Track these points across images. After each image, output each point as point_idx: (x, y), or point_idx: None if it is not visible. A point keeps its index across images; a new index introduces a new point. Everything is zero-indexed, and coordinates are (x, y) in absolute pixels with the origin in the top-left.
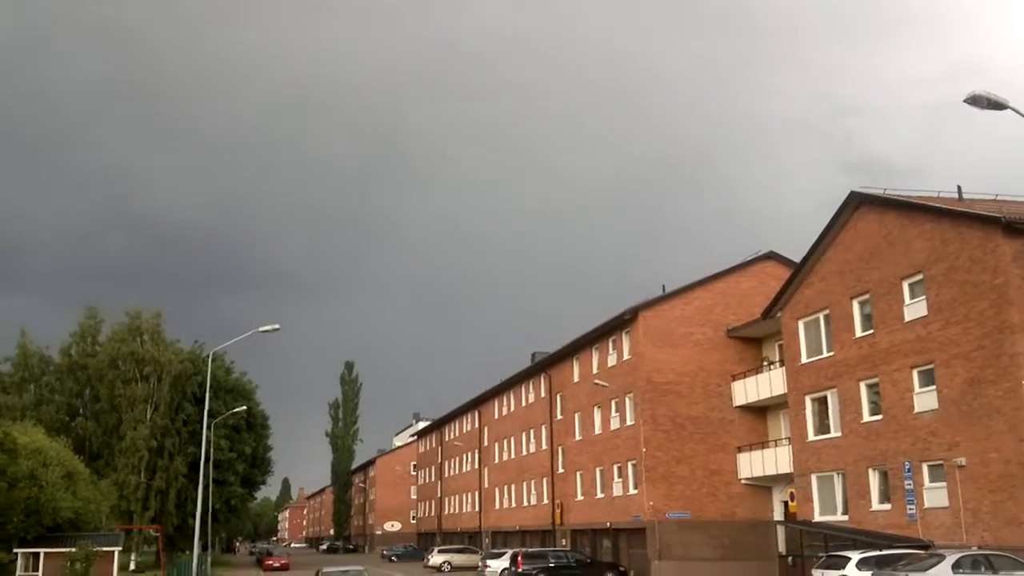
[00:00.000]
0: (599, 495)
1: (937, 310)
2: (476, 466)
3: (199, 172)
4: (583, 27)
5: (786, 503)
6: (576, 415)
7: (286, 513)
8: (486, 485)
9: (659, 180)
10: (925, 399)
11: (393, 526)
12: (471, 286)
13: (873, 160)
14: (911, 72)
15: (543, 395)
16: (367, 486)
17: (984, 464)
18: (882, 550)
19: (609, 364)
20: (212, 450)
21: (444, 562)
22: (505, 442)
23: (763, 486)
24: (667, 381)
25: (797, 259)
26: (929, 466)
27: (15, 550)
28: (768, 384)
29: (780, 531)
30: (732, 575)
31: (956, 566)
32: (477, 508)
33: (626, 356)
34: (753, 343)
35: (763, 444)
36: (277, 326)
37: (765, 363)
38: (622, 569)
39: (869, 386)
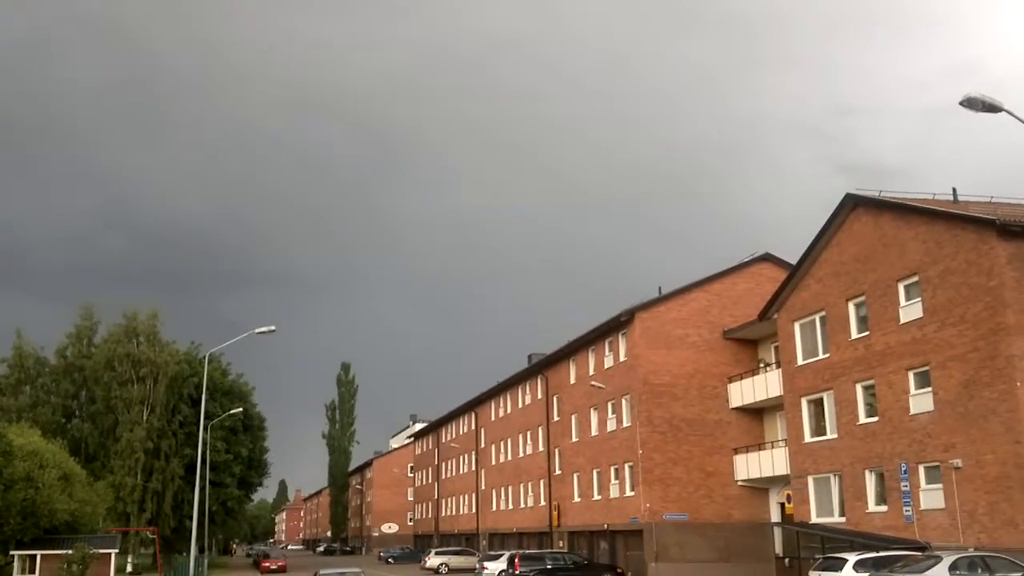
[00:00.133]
0: (596, 497)
1: (932, 312)
2: (473, 468)
3: (197, 173)
4: (582, 29)
5: (783, 505)
6: (573, 417)
7: (283, 515)
8: (483, 487)
9: (656, 182)
10: (921, 401)
11: (390, 528)
12: (468, 288)
13: (869, 162)
14: (908, 74)
15: (540, 397)
16: (364, 488)
17: (980, 466)
18: (879, 552)
19: (606, 366)
20: (208, 452)
21: (441, 564)
22: (502, 444)
23: (760, 488)
24: (663, 383)
25: (793, 261)
26: (925, 468)
27: (11, 552)
28: (764, 386)
29: (777, 533)
30: None
31: (953, 568)
32: (474, 510)
33: (622, 358)
34: (749, 345)
35: (759, 446)
36: (273, 328)
37: (761, 365)
38: (619, 571)
39: (865, 388)
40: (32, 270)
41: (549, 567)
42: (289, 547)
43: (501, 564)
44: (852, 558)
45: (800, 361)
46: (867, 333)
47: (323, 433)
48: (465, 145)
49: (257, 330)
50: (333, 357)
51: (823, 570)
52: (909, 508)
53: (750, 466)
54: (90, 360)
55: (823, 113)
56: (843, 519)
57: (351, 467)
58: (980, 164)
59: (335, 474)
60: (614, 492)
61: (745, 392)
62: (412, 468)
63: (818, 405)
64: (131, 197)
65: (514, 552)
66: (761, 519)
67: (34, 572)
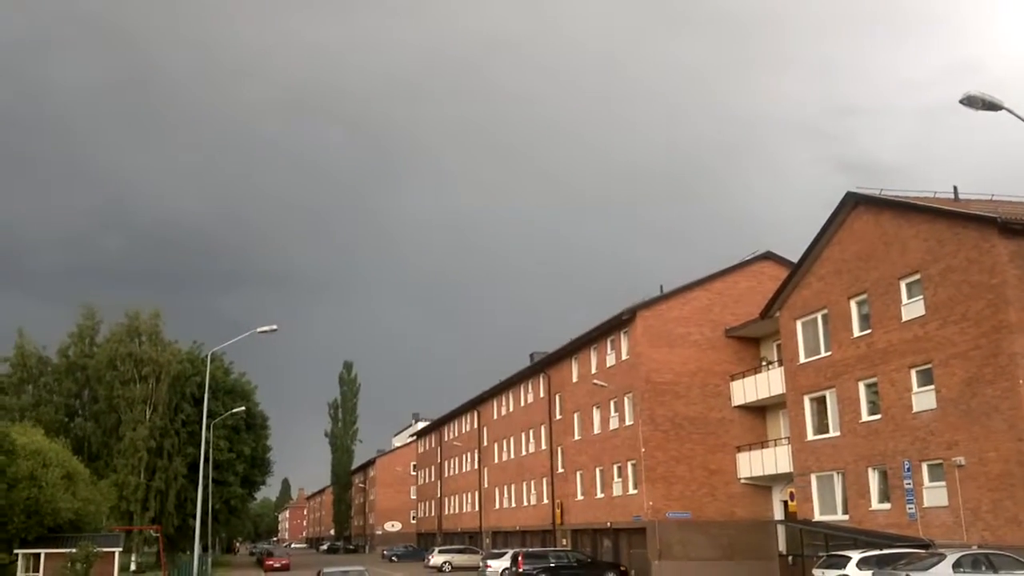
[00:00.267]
0: (599, 495)
1: (934, 310)
2: (476, 466)
3: (195, 173)
4: (579, 31)
5: (786, 503)
6: (575, 415)
7: (286, 513)
8: (486, 485)
9: (655, 183)
10: (923, 399)
11: (393, 526)
12: (467, 289)
13: (870, 161)
14: (907, 73)
15: (542, 395)
16: (367, 486)
17: (983, 463)
18: (882, 549)
19: (608, 364)
20: (211, 451)
21: (445, 562)
22: (505, 442)
23: (763, 486)
24: (666, 381)
25: (794, 259)
26: (928, 465)
27: (16, 551)
28: (767, 384)
29: (780, 531)
30: (733, 575)
31: (957, 565)
32: (477, 508)
33: (625, 356)
34: (751, 343)
35: (762, 444)
36: (275, 327)
37: (763, 363)
38: (623, 569)
39: (868, 386)
40: (31, 270)
41: (552, 565)
42: (292, 545)
43: (504, 562)
44: (856, 556)
45: (802, 359)
46: (869, 331)
47: (326, 431)
48: (463, 146)
49: (259, 329)
50: (335, 356)
51: (827, 568)
52: (912, 506)
53: (753, 464)
54: (92, 359)
55: (823, 113)
56: (846, 517)
57: (354, 465)
58: (981, 163)
59: (338, 472)
60: (617, 490)
61: (747, 390)
62: (415, 466)
63: (821, 403)
64: (130, 197)
65: (517, 550)
66: (764, 517)
67: (38, 571)
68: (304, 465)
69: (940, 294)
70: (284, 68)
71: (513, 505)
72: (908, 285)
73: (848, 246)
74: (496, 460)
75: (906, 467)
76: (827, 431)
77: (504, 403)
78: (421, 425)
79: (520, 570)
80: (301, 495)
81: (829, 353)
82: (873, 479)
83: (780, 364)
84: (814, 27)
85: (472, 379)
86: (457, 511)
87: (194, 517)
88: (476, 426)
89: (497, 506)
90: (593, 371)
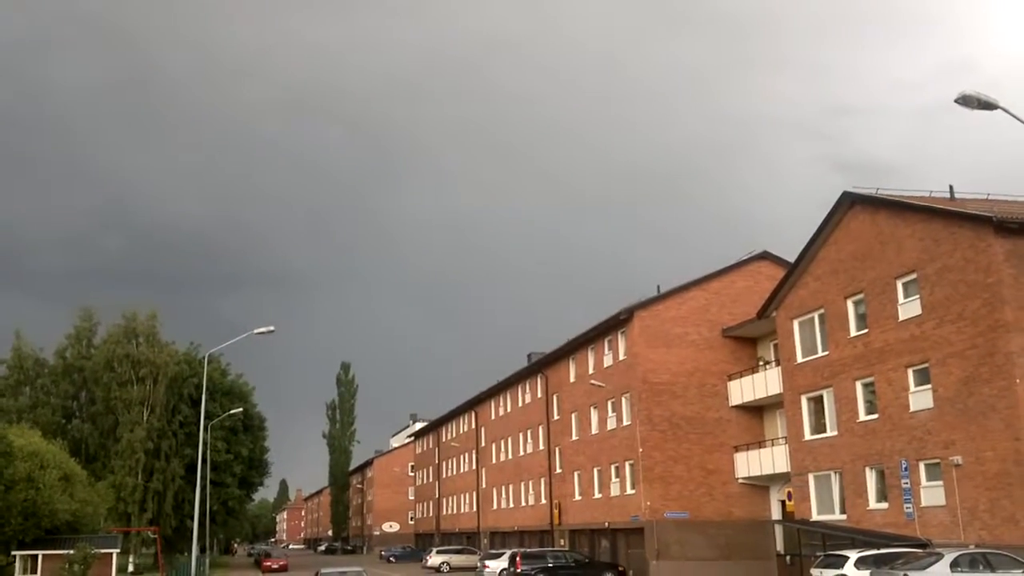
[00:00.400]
0: (597, 495)
1: (931, 309)
2: (474, 467)
3: (195, 173)
4: (578, 31)
5: (783, 502)
6: (573, 415)
7: (284, 514)
8: (484, 485)
9: (653, 183)
10: (920, 398)
11: (391, 527)
12: (466, 289)
13: (866, 161)
14: (903, 73)
15: (539, 395)
16: (365, 487)
17: (980, 463)
18: (880, 549)
19: (605, 364)
20: (209, 452)
21: (443, 563)
22: (502, 442)
23: (760, 485)
24: (663, 381)
25: (791, 259)
26: (926, 465)
27: (13, 552)
28: (764, 384)
29: (778, 530)
30: (730, 575)
31: (954, 564)
32: (475, 509)
33: (622, 356)
34: (748, 343)
35: (760, 444)
36: (272, 328)
37: (760, 363)
38: (621, 569)
39: (865, 385)
40: (30, 271)
41: (550, 565)
42: (290, 546)
43: (502, 563)
44: (853, 555)
45: (799, 359)
46: (866, 331)
47: (323, 433)
48: (462, 147)
49: (256, 330)
50: (333, 357)
51: (825, 567)
52: (910, 505)
53: (750, 464)
54: (90, 361)
55: (819, 113)
56: (844, 516)
57: (352, 466)
58: (976, 162)
59: (336, 473)
60: (615, 490)
61: (745, 390)
62: (413, 467)
63: (818, 403)
64: (129, 198)
65: (515, 551)
66: (762, 517)
67: (36, 572)
68: (302, 466)
69: (936, 293)
70: (284, 68)
71: (511, 505)
72: (904, 284)
73: (844, 246)
74: (494, 460)
75: (903, 467)
76: (824, 431)
77: (502, 403)
78: (419, 426)
79: (518, 570)
80: (299, 496)
81: (826, 353)
82: (870, 479)
83: (777, 364)
84: (810, 27)
85: (470, 379)
86: (455, 512)
87: (192, 518)
88: (474, 427)
89: (495, 506)
90: (590, 371)
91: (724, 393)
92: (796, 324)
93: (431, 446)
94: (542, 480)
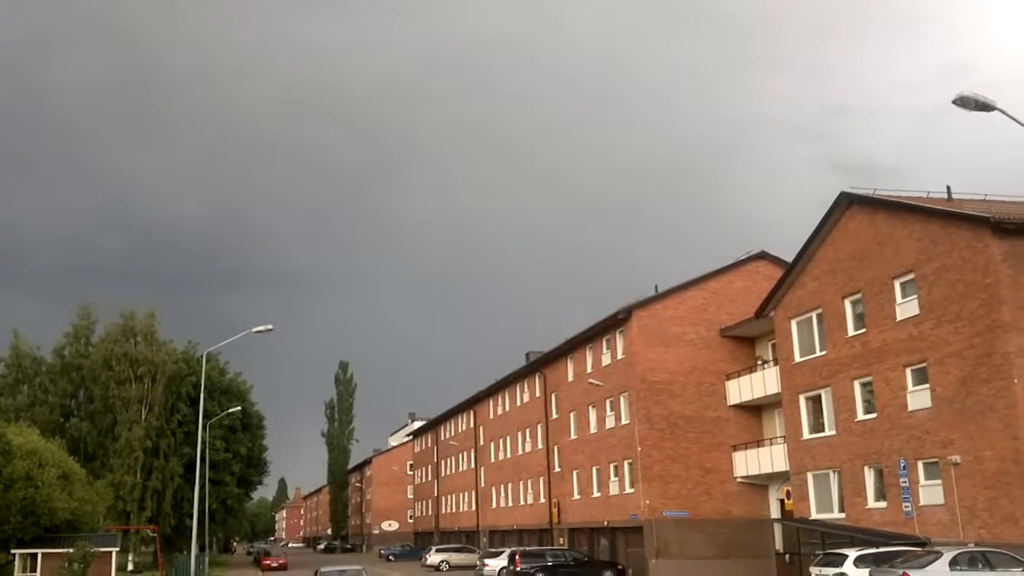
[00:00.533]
0: (596, 494)
1: (929, 309)
2: (472, 465)
3: (195, 173)
4: (578, 31)
5: (782, 501)
6: (571, 414)
7: (283, 513)
8: (483, 484)
9: (652, 183)
10: (918, 397)
11: (390, 525)
12: (466, 288)
13: (863, 161)
14: (900, 74)
15: (538, 394)
16: (364, 486)
17: (978, 461)
18: (879, 547)
19: (603, 363)
20: (208, 450)
21: (442, 561)
22: (501, 441)
23: (759, 484)
24: (661, 380)
25: (789, 259)
26: (924, 464)
27: (12, 551)
28: (762, 383)
29: (777, 529)
30: (730, 573)
31: (953, 563)
32: (474, 507)
33: (620, 355)
34: (746, 342)
35: (758, 443)
36: (270, 326)
37: (759, 362)
38: (620, 568)
39: (863, 385)
40: (30, 270)
41: (550, 564)
42: (290, 545)
43: (502, 561)
44: (852, 554)
45: (797, 358)
46: (864, 330)
47: (322, 431)
48: (462, 146)
49: (255, 329)
50: (331, 356)
51: (823, 566)
52: (908, 504)
53: (749, 463)
54: (88, 359)
55: (817, 113)
56: (843, 515)
57: (350, 465)
58: (974, 163)
59: (335, 472)
60: (614, 489)
61: (743, 389)
62: (411, 466)
63: (816, 402)
64: (129, 197)
65: (515, 549)
66: (761, 515)
67: (35, 571)
68: (301, 465)
69: (934, 293)
70: (283, 68)
71: (510, 504)
72: (902, 284)
73: (842, 246)
74: (492, 459)
75: (902, 465)
76: (823, 430)
77: (500, 402)
78: (417, 424)
79: (518, 569)
80: (298, 495)
81: (824, 352)
82: (869, 477)
83: (775, 363)
84: (809, 28)
85: (468, 378)
86: (454, 510)
87: (191, 517)
88: (472, 425)
89: (494, 505)
90: (589, 370)
91: (722, 392)
92: (794, 324)
93: (430, 445)
94: (541, 479)
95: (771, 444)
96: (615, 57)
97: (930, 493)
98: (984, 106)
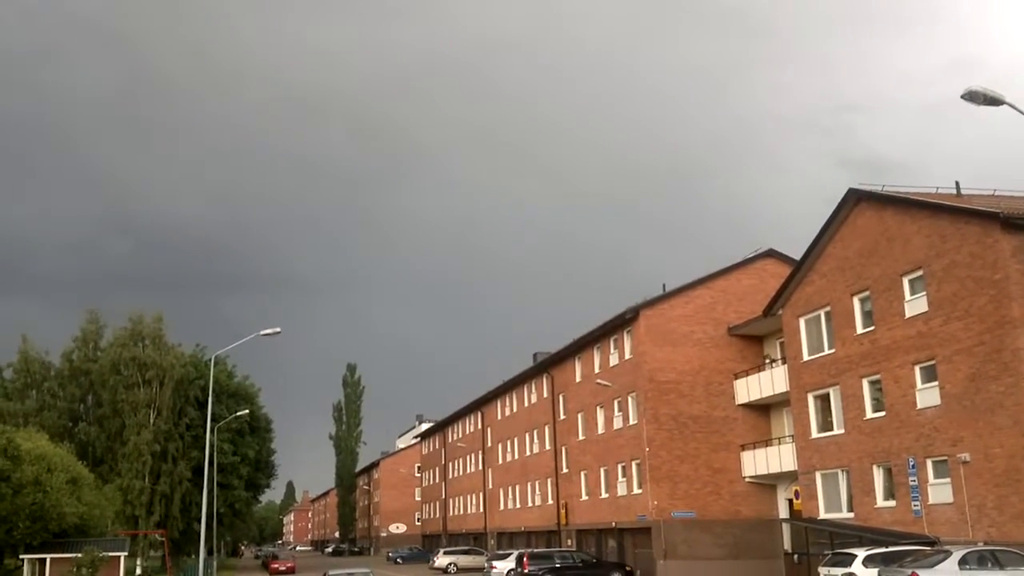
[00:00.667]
0: (604, 495)
1: (938, 306)
2: (480, 467)
3: (198, 176)
4: (580, 30)
5: (791, 501)
6: (579, 415)
7: (291, 516)
8: (490, 486)
9: (657, 180)
10: (927, 395)
11: (398, 528)
12: (470, 289)
13: (872, 157)
14: (909, 69)
15: (545, 395)
16: (371, 488)
17: (988, 459)
18: (888, 547)
19: (611, 364)
20: (216, 454)
21: (450, 563)
22: (509, 443)
23: (767, 484)
24: (669, 380)
25: (797, 257)
26: (933, 462)
27: (21, 556)
28: (770, 382)
29: (785, 529)
30: (738, 574)
31: (962, 562)
32: (482, 509)
33: (628, 355)
34: (754, 341)
35: (766, 442)
36: (278, 329)
37: (767, 361)
38: (628, 569)
39: (871, 383)
40: (35, 275)
41: (558, 566)
42: (297, 548)
43: (510, 563)
44: (861, 553)
45: (806, 357)
46: (872, 328)
47: (330, 434)
48: (465, 147)
49: (262, 332)
50: (338, 358)
51: (833, 566)
52: (918, 503)
53: (757, 462)
54: (96, 364)
55: (824, 109)
56: (851, 514)
57: (358, 468)
58: (983, 158)
59: (342, 475)
60: (621, 490)
61: (751, 388)
62: (419, 468)
63: (824, 400)
64: (133, 201)
65: (523, 551)
66: (769, 515)
67: None
68: (308, 468)
69: (943, 290)
70: (285, 70)
71: (518, 506)
72: (911, 281)
73: (850, 243)
74: (500, 461)
75: (911, 464)
76: (831, 429)
77: (508, 404)
78: (425, 427)
79: (526, 571)
80: (305, 498)
81: (832, 350)
82: (878, 476)
83: (783, 362)
84: (817, 24)
85: (476, 380)
86: (462, 512)
87: (199, 521)
88: (480, 427)
89: (502, 507)
90: (596, 371)
91: (730, 392)
92: (802, 322)
93: (437, 447)
94: (549, 480)
95: (779, 443)
96: (619, 55)
97: (939, 492)
98: (993, 101)
